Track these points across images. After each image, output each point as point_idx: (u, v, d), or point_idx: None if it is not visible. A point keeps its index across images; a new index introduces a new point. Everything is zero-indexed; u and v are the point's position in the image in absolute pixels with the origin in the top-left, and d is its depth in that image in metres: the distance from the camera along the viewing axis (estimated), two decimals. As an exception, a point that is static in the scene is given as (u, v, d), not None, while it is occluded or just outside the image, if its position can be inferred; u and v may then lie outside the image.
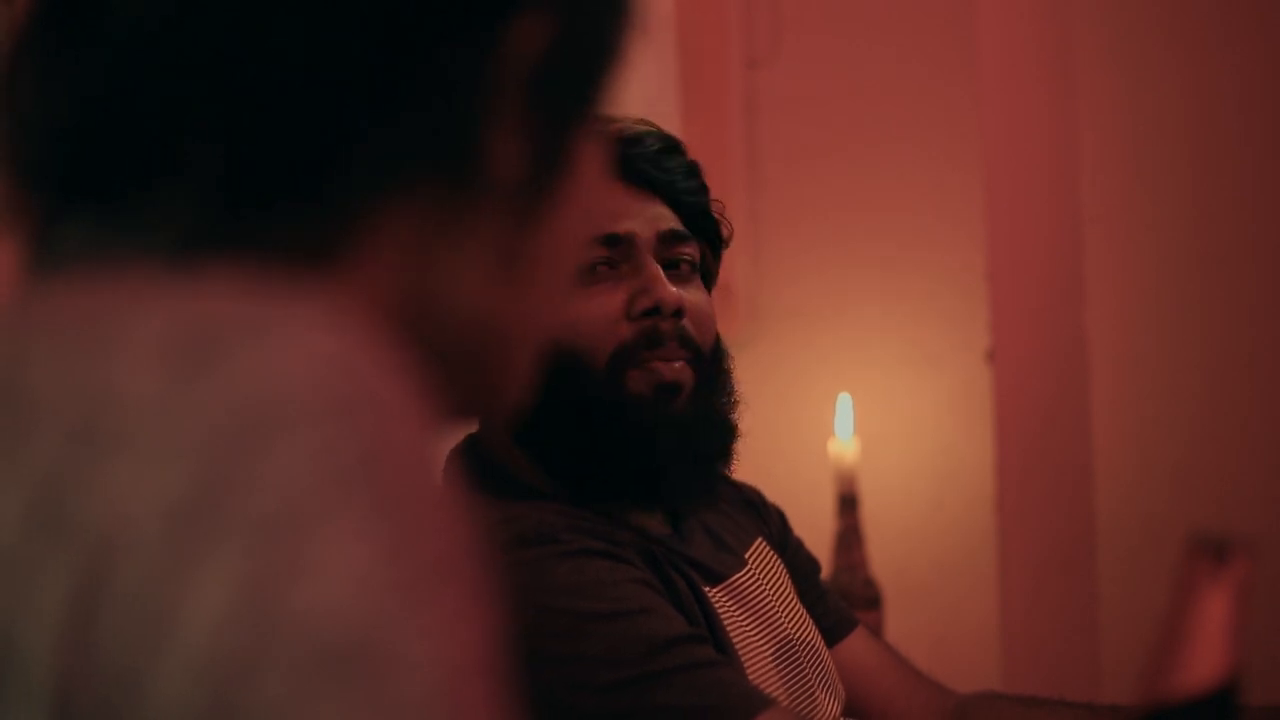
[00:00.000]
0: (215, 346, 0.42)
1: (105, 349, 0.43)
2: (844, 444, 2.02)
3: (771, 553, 1.25)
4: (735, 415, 1.15)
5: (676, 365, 1.09)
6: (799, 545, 1.30)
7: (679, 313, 1.09)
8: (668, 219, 1.11)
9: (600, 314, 1.07)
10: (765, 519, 1.28)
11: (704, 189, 1.15)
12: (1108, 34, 2.33)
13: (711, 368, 1.12)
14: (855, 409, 2.05)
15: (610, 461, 1.08)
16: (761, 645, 1.14)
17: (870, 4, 2.29)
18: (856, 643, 1.29)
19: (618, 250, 1.08)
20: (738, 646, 1.10)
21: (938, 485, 2.21)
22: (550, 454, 1.10)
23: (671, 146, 1.14)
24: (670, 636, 0.99)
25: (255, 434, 0.41)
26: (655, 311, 1.07)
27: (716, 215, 1.17)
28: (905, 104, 2.24)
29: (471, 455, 1.14)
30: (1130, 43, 2.32)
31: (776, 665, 1.14)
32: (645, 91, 2.03)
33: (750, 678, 1.09)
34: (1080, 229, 2.34)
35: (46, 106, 0.49)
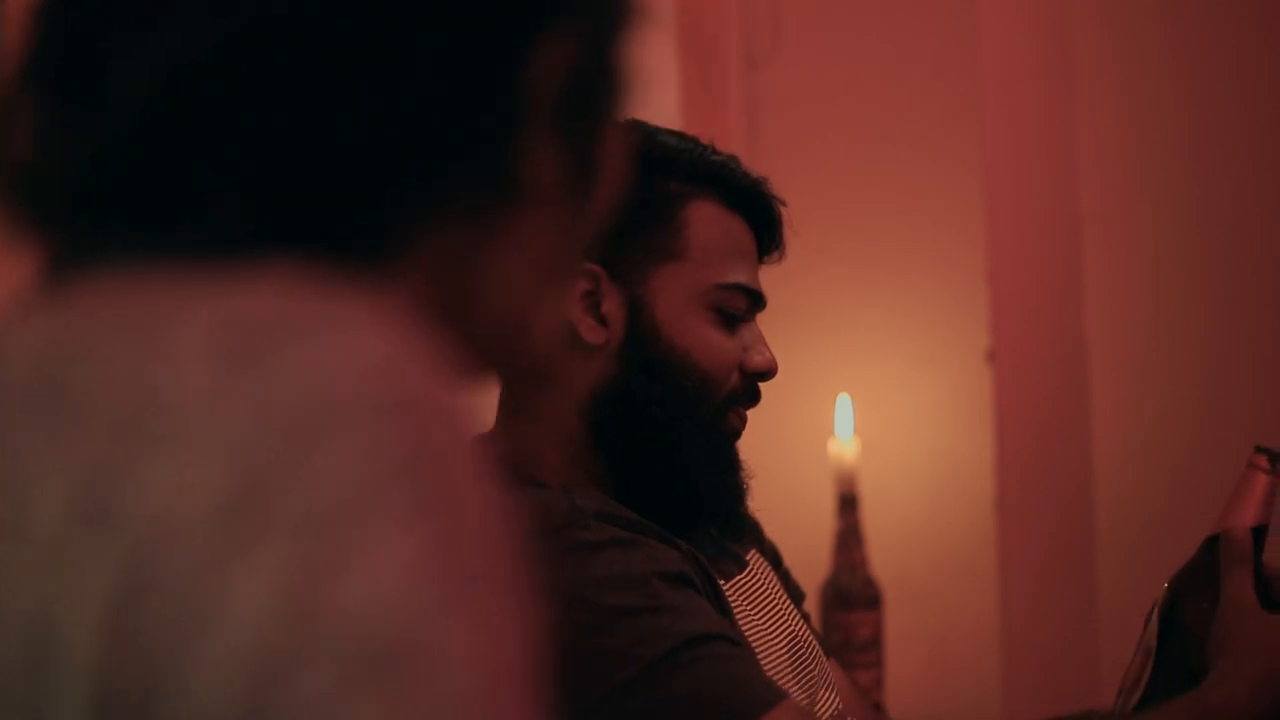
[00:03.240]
0: (264, 344, 0.42)
1: (153, 345, 0.43)
2: (844, 444, 2.02)
3: (766, 565, 1.26)
4: None
5: (745, 419, 1.19)
6: (788, 574, 1.33)
7: (771, 378, 1.20)
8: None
9: (730, 354, 1.16)
10: (760, 541, 1.30)
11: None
12: (1108, 34, 2.33)
13: None
14: (855, 409, 2.04)
15: (690, 483, 1.14)
16: (775, 640, 1.16)
17: (870, 3, 2.29)
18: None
19: (752, 308, 1.19)
20: (752, 641, 1.12)
21: (938, 485, 2.21)
22: (634, 454, 1.13)
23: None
24: (695, 634, 0.99)
25: (302, 432, 0.41)
26: (762, 373, 1.18)
27: None
28: (905, 103, 2.24)
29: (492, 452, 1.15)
30: (1130, 43, 2.32)
31: (790, 660, 1.15)
32: (645, 90, 2.03)
33: (767, 670, 1.10)
34: (1079, 229, 2.34)
35: (77, 141, 0.49)
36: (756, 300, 1.18)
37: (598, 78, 0.56)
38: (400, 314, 0.45)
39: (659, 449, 1.13)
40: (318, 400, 0.41)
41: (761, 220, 1.19)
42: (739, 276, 1.16)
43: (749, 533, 1.28)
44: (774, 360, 1.18)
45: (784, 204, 1.22)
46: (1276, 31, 2.26)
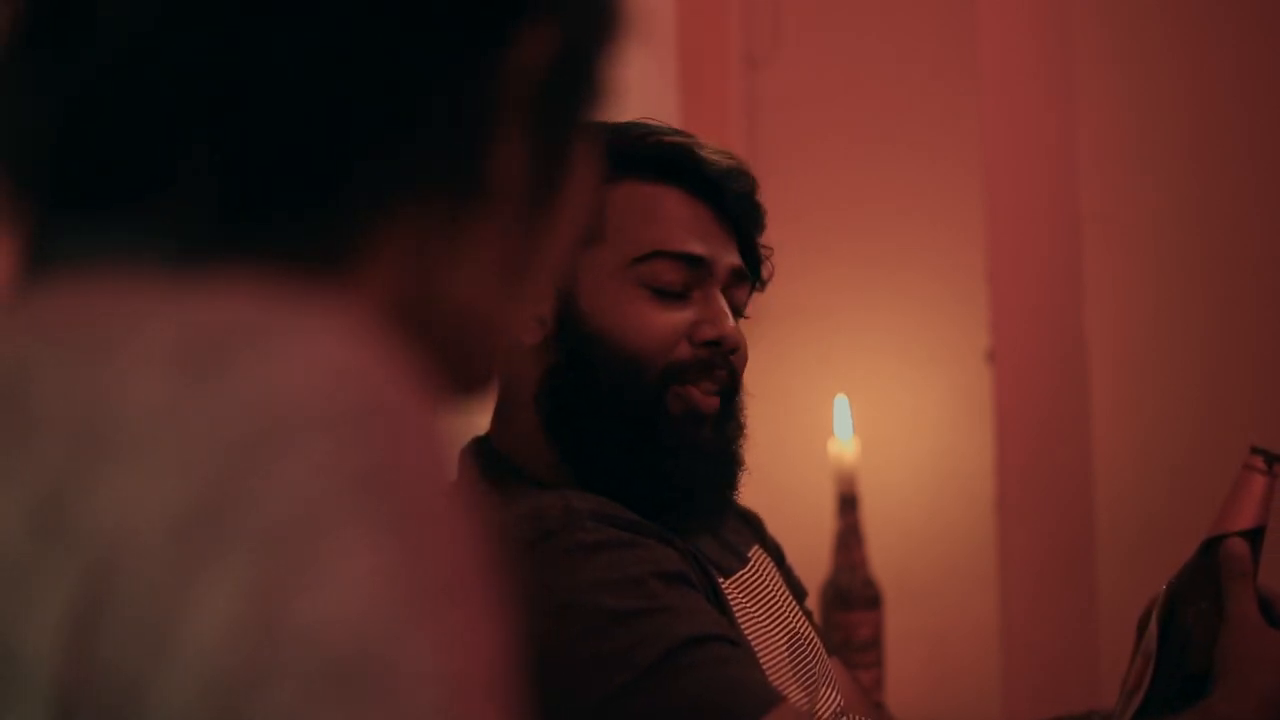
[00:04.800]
0: (223, 354, 0.42)
1: (111, 355, 0.42)
2: (844, 444, 2.02)
3: (768, 561, 1.26)
4: (742, 447, 1.18)
5: (711, 399, 1.12)
6: (790, 571, 1.32)
7: (734, 350, 1.13)
8: (737, 259, 1.15)
9: (666, 329, 1.10)
10: (763, 537, 1.29)
11: (761, 232, 1.20)
12: (1108, 34, 2.33)
13: (735, 401, 1.17)
14: (855, 409, 2.04)
15: (634, 470, 1.11)
16: (775, 636, 1.15)
17: (870, 3, 2.29)
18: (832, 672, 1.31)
19: (694, 273, 1.12)
20: (751, 638, 1.12)
21: (938, 485, 2.21)
22: (579, 447, 1.12)
23: (754, 188, 1.17)
24: (693, 636, 0.99)
25: (263, 443, 0.40)
26: (715, 344, 1.11)
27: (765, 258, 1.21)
28: (905, 103, 2.24)
29: (485, 456, 1.14)
30: (1130, 43, 2.32)
31: (790, 656, 1.15)
32: (645, 90, 2.03)
33: (765, 668, 1.10)
34: (1079, 229, 2.34)
35: (37, 111, 0.48)
36: (695, 264, 1.12)
37: (576, 78, 0.55)
38: (364, 321, 0.44)
39: (599, 438, 1.11)
40: (278, 411, 0.41)
41: (699, 181, 1.13)
42: (658, 245, 1.10)
43: (750, 527, 1.28)
44: (729, 329, 1.11)
45: (729, 156, 1.15)
46: (1276, 31, 2.26)
